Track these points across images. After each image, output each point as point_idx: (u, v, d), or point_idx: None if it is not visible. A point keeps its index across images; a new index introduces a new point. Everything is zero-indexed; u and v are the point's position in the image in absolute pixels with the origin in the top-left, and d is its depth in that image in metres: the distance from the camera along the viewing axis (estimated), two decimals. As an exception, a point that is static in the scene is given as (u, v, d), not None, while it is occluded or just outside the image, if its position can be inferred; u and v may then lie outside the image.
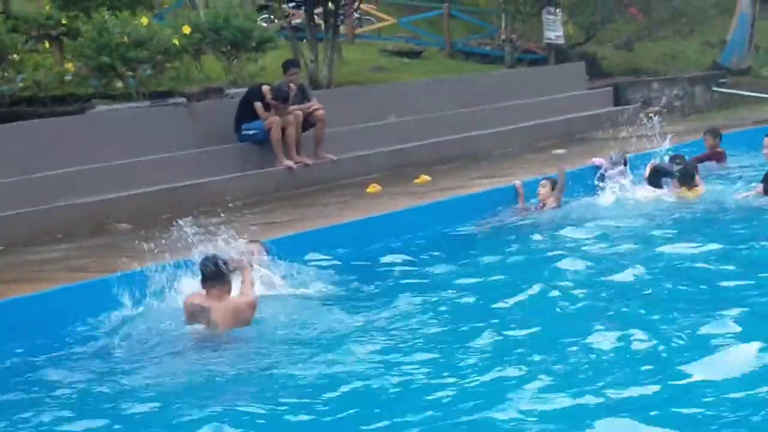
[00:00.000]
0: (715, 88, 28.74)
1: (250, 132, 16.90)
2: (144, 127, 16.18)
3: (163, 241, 10.04)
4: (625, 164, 15.83)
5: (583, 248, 12.08)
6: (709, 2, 38.13)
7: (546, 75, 25.43)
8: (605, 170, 15.74)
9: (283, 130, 16.81)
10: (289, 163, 16.88)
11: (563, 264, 11.10)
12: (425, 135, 20.00)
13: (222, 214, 13.34)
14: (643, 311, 9.10)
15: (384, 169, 18.23)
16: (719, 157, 17.48)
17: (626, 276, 10.50)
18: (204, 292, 9.29)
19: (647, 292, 9.96)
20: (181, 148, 16.33)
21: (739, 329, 8.05)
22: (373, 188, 16.11)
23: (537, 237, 12.98)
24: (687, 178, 14.99)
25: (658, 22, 36.38)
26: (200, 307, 9.18)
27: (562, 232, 13.01)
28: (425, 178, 16.86)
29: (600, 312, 9.17)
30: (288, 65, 17.86)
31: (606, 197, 15.05)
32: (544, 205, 14.69)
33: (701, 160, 17.08)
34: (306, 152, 17.34)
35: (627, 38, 34.13)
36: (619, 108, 25.49)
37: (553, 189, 14.74)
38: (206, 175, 16.04)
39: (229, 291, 9.30)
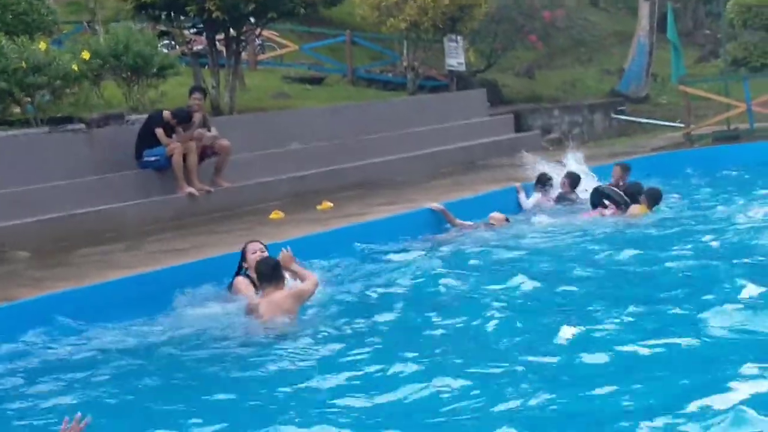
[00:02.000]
0: (614, 116, 29.15)
1: (152, 158, 16.74)
2: (43, 154, 15.92)
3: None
4: (544, 185, 16.59)
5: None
6: (607, 31, 38.75)
7: (448, 102, 25.57)
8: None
9: (185, 156, 16.68)
10: (191, 189, 16.74)
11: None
12: (327, 162, 19.97)
13: (123, 241, 13.20)
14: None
15: (286, 196, 18.16)
16: None
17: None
18: (261, 289, 10.78)
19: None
20: (80, 174, 16.11)
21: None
22: (276, 215, 16.04)
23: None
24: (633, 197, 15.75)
25: (558, 50, 36.84)
26: (255, 303, 10.61)
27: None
28: (328, 204, 16.83)
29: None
30: (192, 90, 17.82)
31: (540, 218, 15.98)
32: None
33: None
34: (206, 179, 17.23)
35: (527, 66, 34.50)
36: (520, 134, 25.77)
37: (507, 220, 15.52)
38: (106, 202, 15.84)
39: (281, 288, 10.65)
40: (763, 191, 17.38)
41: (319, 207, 16.74)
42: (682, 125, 25.74)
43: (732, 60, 28.17)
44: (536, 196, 17.28)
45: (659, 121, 28.64)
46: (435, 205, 15.63)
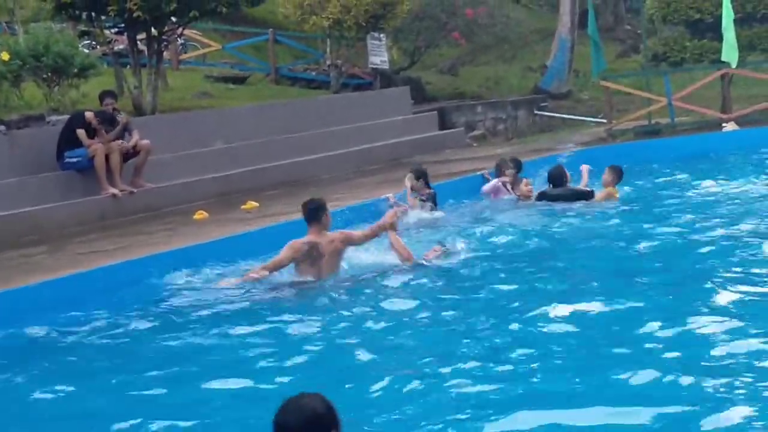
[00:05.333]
0: (537, 112, 29.33)
1: (74, 159, 16.58)
2: (-38, 156, 15.73)
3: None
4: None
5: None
6: (530, 28, 38.97)
7: (372, 100, 25.58)
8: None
9: (107, 157, 16.54)
10: (114, 190, 16.61)
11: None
12: (252, 161, 19.89)
13: (46, 244, 13.06)
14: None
15: (210, 196, 18.07)
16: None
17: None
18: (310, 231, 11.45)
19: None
20: (1, 176, 15.90)
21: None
22: (200, 215, 15.95)
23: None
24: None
25: (481, 47, 36.99)
26: (308, 243, 11.33)
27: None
28: (253, 204, 16.77)
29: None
30: (102, 96, 17.51)
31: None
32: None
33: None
34: (127, 180, 17.10)
35: (451, 63, 34.63)
36: (444, 132, 25.85)
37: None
38: (28, 204, 15.65)
39: (326, 228, 11.50)
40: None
41: (243, 207, 16.67)
42: (604, 120, 25.97)
43: (652, 55, 28.43)
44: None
45: (582, 117, 28.88)
46: (392, 197, 15.63)
